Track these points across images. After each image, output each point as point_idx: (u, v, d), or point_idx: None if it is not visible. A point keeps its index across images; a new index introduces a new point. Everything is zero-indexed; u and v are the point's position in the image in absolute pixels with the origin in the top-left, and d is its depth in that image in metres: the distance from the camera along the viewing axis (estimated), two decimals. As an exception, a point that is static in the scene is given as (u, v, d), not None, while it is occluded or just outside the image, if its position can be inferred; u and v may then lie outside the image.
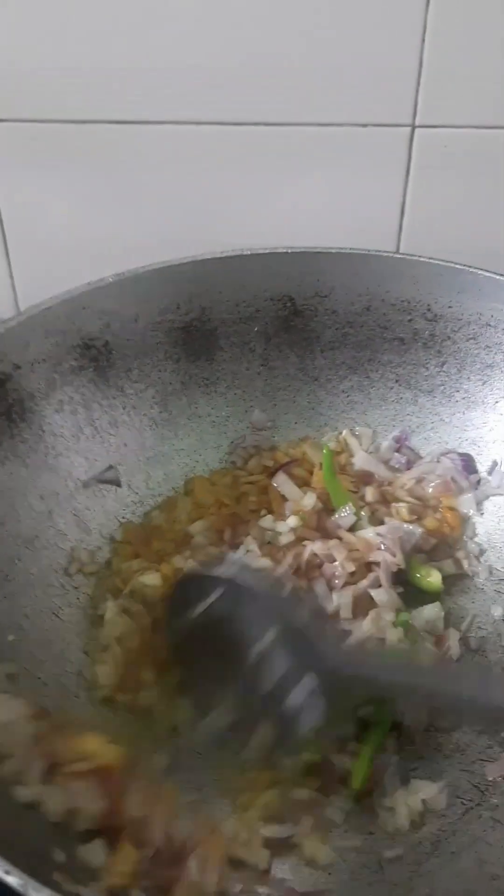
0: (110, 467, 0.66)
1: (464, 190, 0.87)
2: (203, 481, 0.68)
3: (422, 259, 0.67)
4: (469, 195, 0.86)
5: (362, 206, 0.85)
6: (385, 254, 0.70)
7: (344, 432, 0.70)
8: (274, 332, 0.70)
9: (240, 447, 0.70)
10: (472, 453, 0.68)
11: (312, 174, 0.80)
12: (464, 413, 0.68)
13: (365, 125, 0.81)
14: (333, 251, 0.68)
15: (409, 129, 0.82)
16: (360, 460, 0.67)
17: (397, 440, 0.70)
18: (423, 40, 0.75)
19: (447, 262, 0.66)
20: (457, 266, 0.66)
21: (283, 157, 0.79)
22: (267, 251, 0.68)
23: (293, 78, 0.73)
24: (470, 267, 0.65)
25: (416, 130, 0.81)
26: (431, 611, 0.59)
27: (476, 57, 0.76)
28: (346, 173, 0.81)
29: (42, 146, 0.76)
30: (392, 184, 0.84)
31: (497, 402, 0.67)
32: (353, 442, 0.70)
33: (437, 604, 0.59)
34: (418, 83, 0.80)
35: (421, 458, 0.69)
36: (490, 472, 0.67)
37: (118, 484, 0.67)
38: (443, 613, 0.59)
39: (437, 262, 0.67)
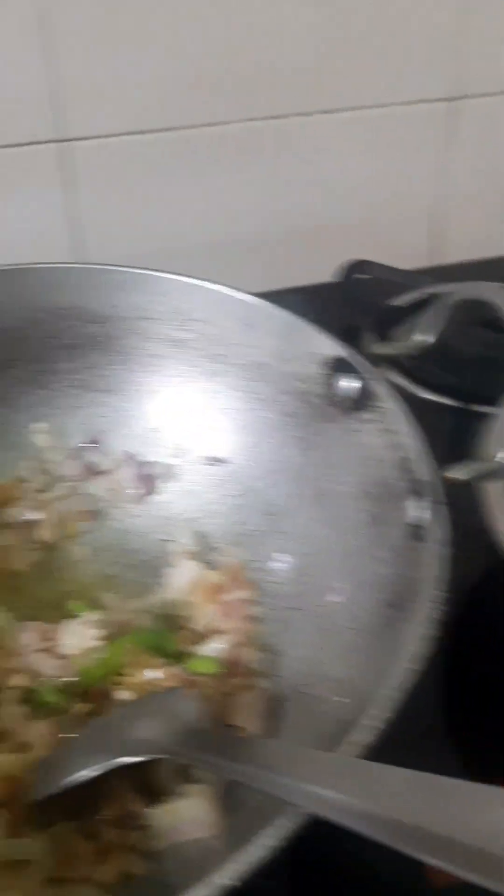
0: None
1: (127, 195, 0.90)
2: None
3: (74, 266, 0.69)
4: (133, 199, 0.90)
5: (29, 230, 0.87)
6: (39, 265, 0.70)
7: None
8: None
9: None
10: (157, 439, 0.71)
11: None
12: (145, 406, 0.71)
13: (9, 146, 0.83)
14: (-19, 270, 0.68)
15: (56, 144, 0.86)
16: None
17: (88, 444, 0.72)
18: (50, 59, 0.77)
19: (98, 264, 0.69)
20: (107, 267, 0.68)
21: None
22: None
23: None
24: (118, 266, 0.68)
25: (68, 144, 0.84)
26: None
27: (113, 64, 0.80)
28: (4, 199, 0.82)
29: None
30: (52, 201, 0.86)
31: (171, 389, 0.70)
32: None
33: None
34: (60, 99, 0.82)
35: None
36: (178, 456, 0.70)
37: None
38: None
39: (90, 266, 0.69)
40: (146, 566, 0.67)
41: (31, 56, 0.82)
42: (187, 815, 0.48)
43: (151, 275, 0.67)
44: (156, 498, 0.70)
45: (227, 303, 0.66)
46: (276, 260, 0.98)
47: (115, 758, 0.46)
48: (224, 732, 0.48)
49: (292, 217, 0.97)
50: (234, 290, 0.66)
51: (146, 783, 0.51)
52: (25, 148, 0.89)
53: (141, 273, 0.68)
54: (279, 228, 0.97)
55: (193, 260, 0.70)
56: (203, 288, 0.66)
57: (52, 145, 0.89)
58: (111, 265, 0.69)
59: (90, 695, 0.56)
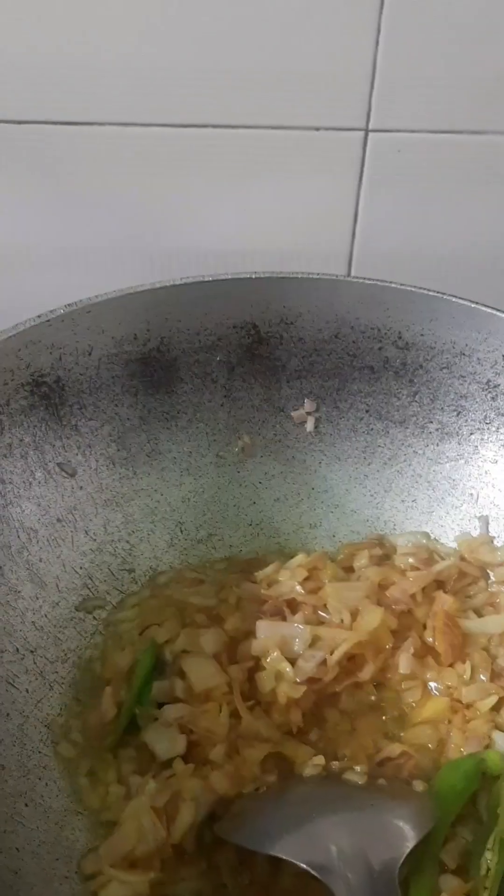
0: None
1: (418, 194, 0.85)
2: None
3: (393, 285, 0.64)
4: (423, 199, 0.84)
5: (315, 211, 0.82)
6: (354, 280, 0.66)
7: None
8: (237, 361, 0.66)
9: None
10: (448, 486, 0.65)
11: (263, 177, 0.76)
12: (437, 445, 0.65)
13: (318, 129, 0.78)
14: (300, 276, 0.64)
15: (362, 133, 0.80)
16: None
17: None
18: (377, 43, 0.72)
19: (419, 288, 0.63)
20: (430, 293, 0.63)
21: (233, 161, 0.76)
22: (229, 277, 0.63)
23: (244, 79, 0.69)
24: (444, 294, 0.63)
25: (370, 134, 0.78)
26: None
27: (429, 60, 0.74)
28: (298, 177, 0.78)
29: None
30: (346, 187, 0.82)
31: (472, 433, 0.64)
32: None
33: None
34: (372, 87, 0.77)
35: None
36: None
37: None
38: None
39: (409, 288, 0.64)
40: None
41: (363, 39, 0.77)
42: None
43: (481, 310, 0.61)
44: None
45: None
46: None
47: None
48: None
49: None
50: None
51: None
52: (333, 133, 0.85)
53: (463, 304, 0.62)
54: None
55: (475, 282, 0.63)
56: (541, 335, 0.59)
57: (356, 133, 0.84)
58: (430, 291, 0.63)
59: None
